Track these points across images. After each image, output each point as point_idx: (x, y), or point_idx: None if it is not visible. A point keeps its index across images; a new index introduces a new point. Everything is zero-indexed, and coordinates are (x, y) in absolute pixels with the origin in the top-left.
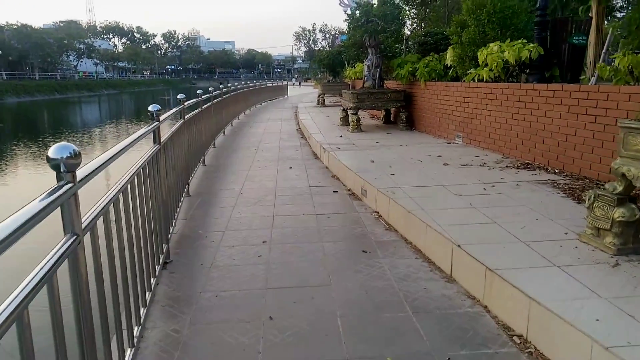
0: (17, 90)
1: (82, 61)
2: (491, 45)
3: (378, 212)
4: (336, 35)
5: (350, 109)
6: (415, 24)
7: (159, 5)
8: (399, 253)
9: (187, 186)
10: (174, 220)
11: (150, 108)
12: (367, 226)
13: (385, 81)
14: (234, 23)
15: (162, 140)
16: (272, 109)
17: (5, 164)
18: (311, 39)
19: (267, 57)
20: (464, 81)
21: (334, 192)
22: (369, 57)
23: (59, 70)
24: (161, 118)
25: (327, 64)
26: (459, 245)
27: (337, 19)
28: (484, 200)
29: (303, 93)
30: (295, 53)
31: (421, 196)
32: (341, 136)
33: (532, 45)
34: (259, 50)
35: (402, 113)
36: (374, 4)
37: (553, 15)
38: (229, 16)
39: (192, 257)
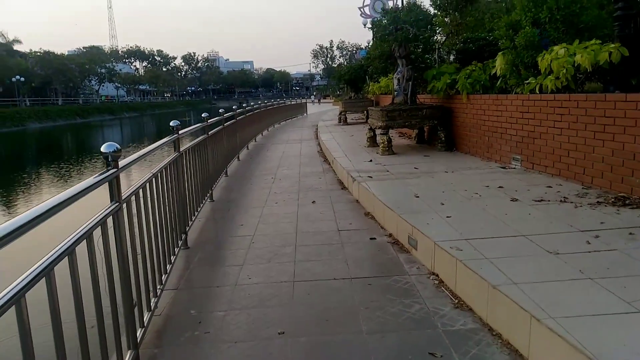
0: (39, 115)
1: (103, 85)
2: (556, 48)
3: (437, 276)
4: (354, 51)
5: (379, 128)
6: (450, 30)
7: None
8: (488, 357)
9: (184, 235)
10: (157, 290)
11: (171, 123)
12: (427, 300)
13: (417, 95)
14: (252, 43)
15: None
16: (291, 128)
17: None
18: (329, 56)
19: (285, 76)
20: (520, 93)
21: (370, 239)
22: (398, 70)
23: (82, 95)
24: (180, 132)
25: (348, 79)
26: None
27: (355, 36)
28: (595, 263)
29: (322, 110)
30: (313, 70)
31: (501, 256)
32: (371, 160)
33: (612, 45)
34: (277, 69)
35: (439, 132)
36: (402, 10)
37: (638, 8)
38: (247, 36)
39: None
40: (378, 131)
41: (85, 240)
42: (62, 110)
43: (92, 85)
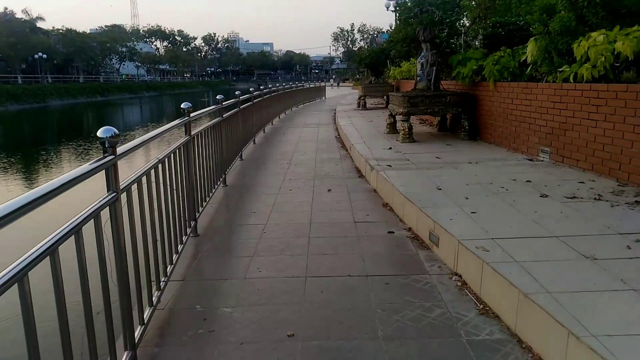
0: (60, 93)
1: (124, 64)
2: (594, 34)
3: (460, 277)
4: (376, 34)
5: (399, 114)
6: (477, 14)
7: (201, 8)
8: None
9: (193, 223)
10: (161, 283)
11: (182, 105)
12: (449, 304)
13: (440, 81)
14: (273, 25)
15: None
16: (308, 112)
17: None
18: (349, 39)
19: (305, 58)
20: (552, 81)
21: (388, 232)
22: (422, 54)
23: (102, 73)
24: (192, 115)
25: (368, 63)
26: None
27: (376, 19)
28: (639, 271)
29: (341, 94)
30: (333, 54)
31: (533, 260)
32: (390, 148)
33: None
34: (297, 52)
35: (463, 120)
36: None
37: None
38: (268, 18)
39: None
40: (399, 117)
41: (74, 236)
42: (83, 87)
43: (113, 63)
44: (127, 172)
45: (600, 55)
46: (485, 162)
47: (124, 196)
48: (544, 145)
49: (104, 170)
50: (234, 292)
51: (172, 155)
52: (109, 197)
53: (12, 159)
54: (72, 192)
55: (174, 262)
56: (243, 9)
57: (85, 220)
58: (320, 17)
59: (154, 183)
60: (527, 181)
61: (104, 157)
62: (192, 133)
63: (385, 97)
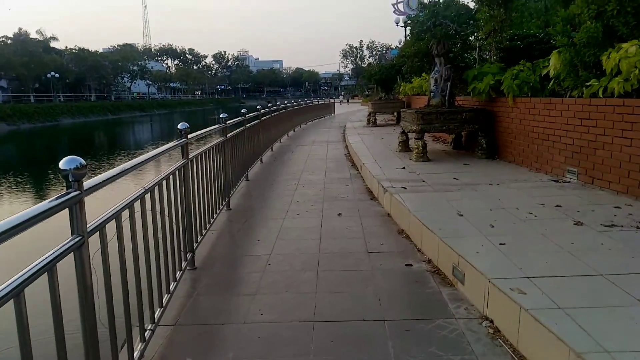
0: (72, 111)
1: (135, 82)
2: (625, 45)
3: (492, 322)
4: (384, 51)
5: (413, 132)
6: (493, 27)
7: (211, 26)
8: None
9: (190, 255)
10: (147, 333)
11: (179, 126)
12: (481, 359)
13: (455, 97)
14: (282, 42)
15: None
16: (317, 129)
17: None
18: (358, 55)
19: (314, 75)
20: (578, 96)
21: (406, 265)
22: (436, 69)
23: (114, 92)
24: (190, 136)
25: (378, 79)
26: None
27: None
28: None
29: (350, 111)
30: (342, 70)
31: (580, 306)
32: (404, 168)
33: None
34: (306, 69)
35: (480, 137)
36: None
37: None
38: (277, 36)
39: None
40: (412, 135)
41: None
42: (94, 106)
43: (125, 82)
44: (113, 200)
45: (633, 67)
46: (507, 183)
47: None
48: (571, 165)
49: (67, 209)
50: (231, 340)
51: (164, 182)
52: (73, 242)
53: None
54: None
55: (164, 305)
56: (253, 27)
57: (39, 273)
58: (329, 35)
59: (141, 217)
60: (557, 206)
61: (67, 193)
62: (191, 155)
63: (395, 113)
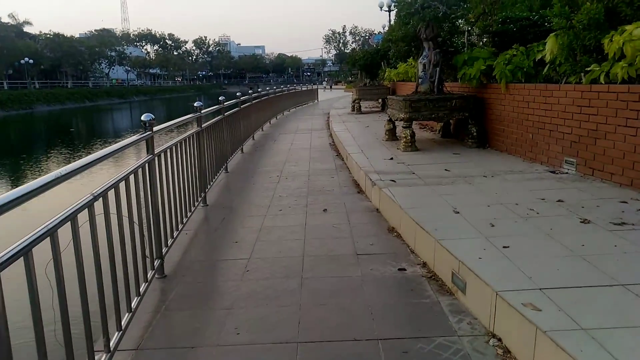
0: (47, 98)
1: (113, 68)
2: (629, 27)
3: (501, 341)
4: (367, 36)
5: (400, 120)
6: (483, 10)
7: (191, 11)
8: None
9: (159, 262)
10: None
11: (143, 117)
12: None
13: (444, 84)
14: (264, 28)
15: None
16: (301, 116)
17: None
18: (341, 41)
19: (296, 61)
20: (577, 82)
21: (399, 270)
22: (424, 54)
23: (92, 78)
24: (155, 129)
25: (362, 65)
26: None
27: (368, 21)
28: None
29: (334, 97)
30: (325, 56)
31: (603, 325)
32: (391, 158)
33: None
34: (289, 54)
35: (470, 126)
36: None
37: None
38: (259, 21)
39: None
40: (399, 124)
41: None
42: (71, 93)
43: (102, 68)
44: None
45: (638, 51)
46: (501, 175)
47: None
48: (569, 156)
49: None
50: None
51: (123, 183)
52: (148, 157)
53: None
54: None
55: (122, 327)
56: (234, 12)
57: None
58: (311, 20)
59: (92, 222)
60: (559, 201)
61: (146, 132)
62: (158, 150)
63: (380, 100)
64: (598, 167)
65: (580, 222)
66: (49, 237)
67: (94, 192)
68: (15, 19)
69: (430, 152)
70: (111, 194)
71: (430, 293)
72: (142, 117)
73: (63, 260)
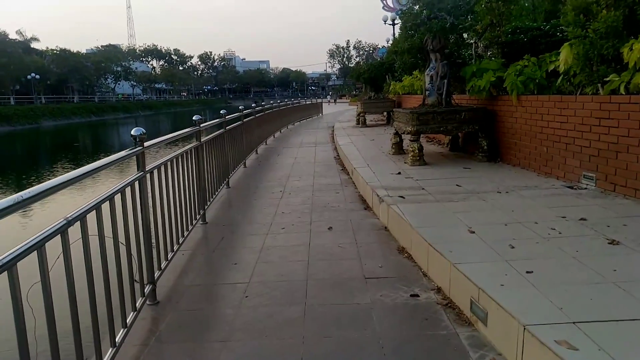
0: (53, 113)
1: (119, 83)
2: None
3: None
4: (371, 50)
5: (408, 133)
6: (491, 20)
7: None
8: None
9: (150, 287)
10: None
11: (133, 132)
12: None
13: (452, 96)
14: (269, 43)
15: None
16: (305, 129)
17: None
18: (345, 55)
19: (301, 75)
20: (594, 93)
21: (411, 296)
22: (431, 65)
23: (98, 93)
24: (147, 144)
25: (367, 78)
26: None
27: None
28: None
29: (338, 110)
30: (329, 70)
31: None
32: (399, 173)
33: None
34: (293, 69)
35: (481, 139)
36: None
37: None
38: (264, 36)
39: None
40: (406, 137)
41: None
42: (77, 108)
43: (108, 83)
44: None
45: None
46: (516, 191)
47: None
48: (588, 170)
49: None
50: None
51: (105, 204)
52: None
53: None
54: None
55: None
56: (239, 27)
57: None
58: (316, 35)
59: (66, 249)
60: (581, 219)
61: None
62: (151, 166)
63: (385, 113)
64: (620, 183)
65: (608, 243)
66: (6, 272)
67: (68, 216)
68: (23, 35)
69: (440, 167)
70: (95, 215)
71: (446, 323)
72: (132, 132)
73: (33, 289)
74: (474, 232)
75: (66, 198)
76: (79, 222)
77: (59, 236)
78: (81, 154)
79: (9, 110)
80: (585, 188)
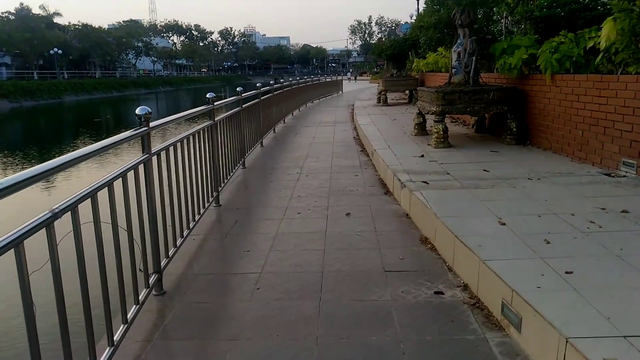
0: (75, 88)
1: (140, 59)
2: None
3: None
4: (394, 26)
5: (432, 113)
6: None
7: (217, 2)
8: None
9: (155, 277)
10: None
11: (137, 111)
12: None
13: (480, 75)
14: (289, 18)
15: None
16: (324, 108)
17: None
18: (367, 32)
19: (321, 52)
20: (634, 73)
21: (435, 293)
22: (459, 41)
23: (119, 69)
24: (152, 124)
25: (390, 54)
26: None
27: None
28: None
29: (359, 88)
30: (350, 47)
31: None
32: (422, 155)
33: None
34: (314, 45)
35: (509, 120)
36: None
37: None
38: (284, 11)
39: None
40: (430, 117)
41: None
42: (99, 83)
43: (130, 59)
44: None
45: None
46: (549, 177)
47: None
48: (628, 157)
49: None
50: None
51: (109, 186)
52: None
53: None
54: None
55: None
56: (259, 3)
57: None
58: (337, 11)
59: (52, 238)
60: (623, 212)
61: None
62: (158, 148)
63: (408, 92)
64: None
65: None
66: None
67: (54, 208)
68: (46, 10)
69: (465, 149)
70: (100, 201)
71: (475, 326)
72: (137, 111)
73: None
74: (504, 224)
75: (64, 183)
76: (72, 211)
77: (51, 227)
78: (102, 129)
79: (33, 85)
80: (625, 176)
